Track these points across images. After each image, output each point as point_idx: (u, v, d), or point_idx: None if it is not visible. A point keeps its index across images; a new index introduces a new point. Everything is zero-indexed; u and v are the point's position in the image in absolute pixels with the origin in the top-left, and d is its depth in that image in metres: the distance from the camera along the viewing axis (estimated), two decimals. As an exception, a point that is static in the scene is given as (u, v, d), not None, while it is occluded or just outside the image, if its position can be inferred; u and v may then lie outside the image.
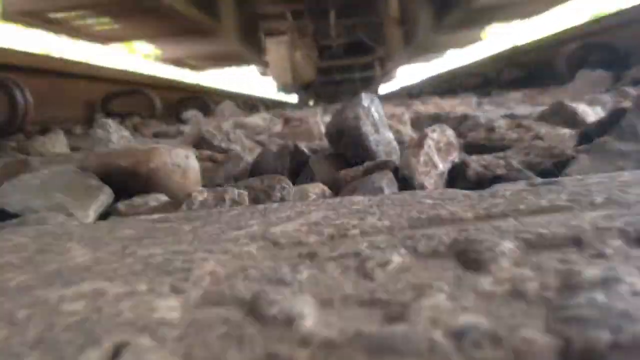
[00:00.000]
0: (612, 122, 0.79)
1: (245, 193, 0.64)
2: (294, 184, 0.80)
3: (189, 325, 0.23)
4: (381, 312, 0.22)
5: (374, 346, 0.19)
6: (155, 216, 0.50)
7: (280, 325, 0.22)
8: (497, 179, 0.67)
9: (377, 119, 0.94)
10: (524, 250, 0.29)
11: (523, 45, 4.14)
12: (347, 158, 0.89)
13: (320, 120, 1.56)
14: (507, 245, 0.30)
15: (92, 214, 0.56)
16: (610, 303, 0.20)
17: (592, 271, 0.24)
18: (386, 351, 0.19)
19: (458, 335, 0.19)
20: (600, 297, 0.21)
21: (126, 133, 0.90)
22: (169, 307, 0.25)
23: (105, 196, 0.59)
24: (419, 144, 0.79)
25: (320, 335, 0.20)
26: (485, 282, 0.25)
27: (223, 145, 1.06)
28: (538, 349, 0.17)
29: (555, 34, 3.57)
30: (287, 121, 1.90)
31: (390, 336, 0.20)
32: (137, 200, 0.59)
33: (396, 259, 0.30)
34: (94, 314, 0.25)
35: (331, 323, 0.22)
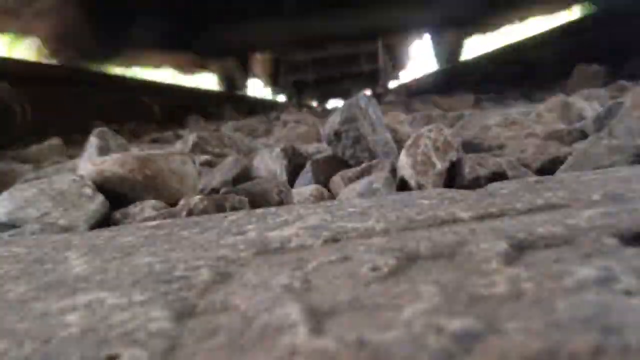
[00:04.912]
0: (608, 117, 0.79)
1: (246, 200, 0.64)
2: (292, 186, 0.80)
3: (183, 336, 0.23)
4: (376, 318, 0.22)
5: (368, 354, 0.19)
6: (153, 223, 0.50)
7: (275, 334, 0.22)
8: (495, 177, 0.67)
9: (375, 119, 0.94)
10: (519, 250, 0.29)
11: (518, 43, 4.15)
12: (345, 159, 0.89)
13: (318, 122, 1.56)
14: (503, 245, 0.30)
15: (82, 224, 0.56)
16: (603, 304, 0.20)
17: (586, 271, 0.24)
18: (380, 359, 0.19)
19: (452, 341, 0.19)
20: (593, 297, 0.21)
21: (123, 140, 0.90)
22: (163, 318, 0.25)
23: (97, 206, 0.59)
24: (416, 143, 0.79)
25: (314, 344, 0.20)
26: (480, 285, 0.25)
27: (217, 150, 1.06)
28: (530, 353, 0.17)
29: (552, 30, 3.56)
30: (285, 123, 1.90)
31: (384, 343, 0.20)
32: (134, 207, 0.59)
33: (391, 262, 0.30)
34: (89, 326, 0.25)
35: (325, 331, 0.21)
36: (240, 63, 6.62)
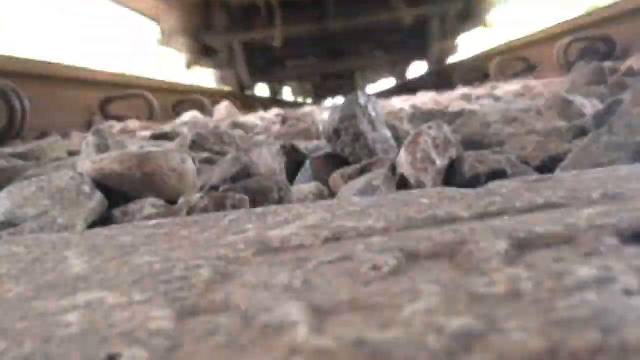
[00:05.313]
0: (608, 114, 0.79)
1: (246, 198, 0.64)
2: (292, 184, 0.79)
3: (184, 335, 0.23)
4: (376, 317, 0.22)
5: (368, 354, 0.19)
6: (153, 222, 0.50)
7: (275, 334, 0.22)
8: (495, 175, 0.67)
9: (375, 116, 0.94)
10: (519, 250, 0.29)
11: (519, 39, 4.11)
12: (345, 157, 0.89)
13: (318, 119, 1.56)
14: (502, 245, 0.30)
15: (81, 222, 0.56)
16: (603, 303, 0.20)
17: (586, 270, 0.24)
18: (380, 358, 0.19)
19: (451, 340, 0.19)
20: (593, 297, 0.21)
21: (121, 138, 0.90)
22: (164, 317, 0.25)
23: (96, 204, 0.59)
24: (416, 140, 0.79)
25: (314, 343, 0.20)
26: (480, 284, 0.25)
27: (216, 148, 1.06)
28: (530, 353, 0.17)
29: (552, 28, 3.55)
30: (285, 121, 1.90)
31: (384, 343, 0.20)
32: (134, 206, 0.59)
33: (391, 261, 0.30)
34: (89, 326, 0.25)
35: (325, 330, 0.22)
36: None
